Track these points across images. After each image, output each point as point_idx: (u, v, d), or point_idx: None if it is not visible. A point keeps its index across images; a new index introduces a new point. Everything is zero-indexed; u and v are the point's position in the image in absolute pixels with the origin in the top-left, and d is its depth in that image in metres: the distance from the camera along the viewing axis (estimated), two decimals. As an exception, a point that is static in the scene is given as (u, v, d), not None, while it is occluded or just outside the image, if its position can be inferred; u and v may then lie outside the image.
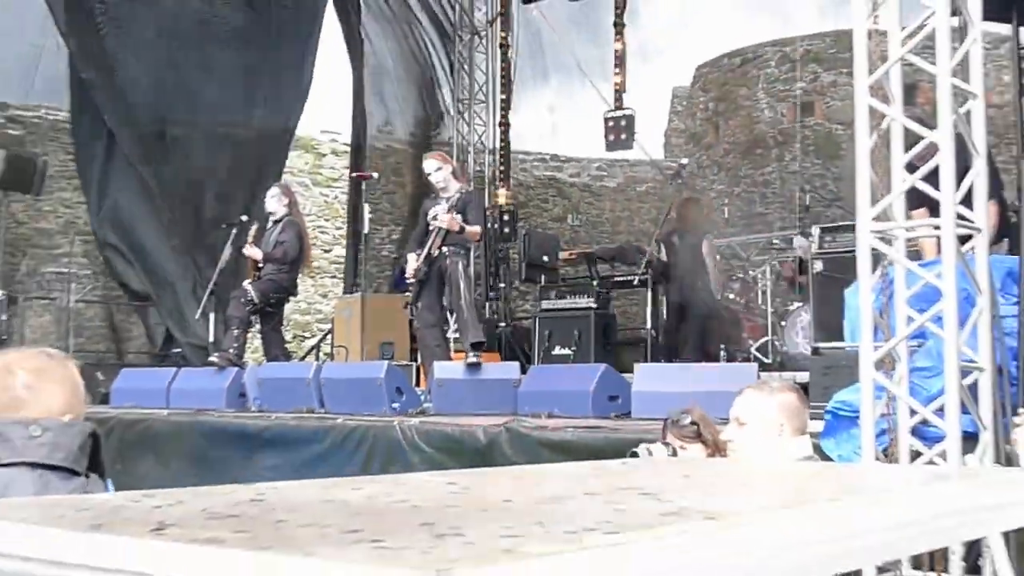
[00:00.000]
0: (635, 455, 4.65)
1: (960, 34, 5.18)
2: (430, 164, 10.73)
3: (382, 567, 1.29)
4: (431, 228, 10.15)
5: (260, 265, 11.35)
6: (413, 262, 10.17)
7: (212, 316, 12.65)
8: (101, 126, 14.27)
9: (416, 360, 11.30)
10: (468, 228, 10.11)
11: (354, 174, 15.32)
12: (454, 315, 10.35)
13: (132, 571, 1.53)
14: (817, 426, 5.56)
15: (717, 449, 4.47)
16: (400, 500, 2.04)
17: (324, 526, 1.69)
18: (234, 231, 12.15)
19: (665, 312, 12.31)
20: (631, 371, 8.29)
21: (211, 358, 11.55)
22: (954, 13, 5.11)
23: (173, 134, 14.96)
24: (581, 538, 1.55)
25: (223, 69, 15.49)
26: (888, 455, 5.08)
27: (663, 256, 12.26)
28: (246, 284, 11.29)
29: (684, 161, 17.16)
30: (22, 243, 14.87)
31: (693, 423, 4.69)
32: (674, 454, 4.75)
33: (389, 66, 17.82)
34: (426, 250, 10.04)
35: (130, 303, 14.79)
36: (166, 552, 1.51)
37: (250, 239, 11.51)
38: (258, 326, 11.77)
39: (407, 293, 10.52)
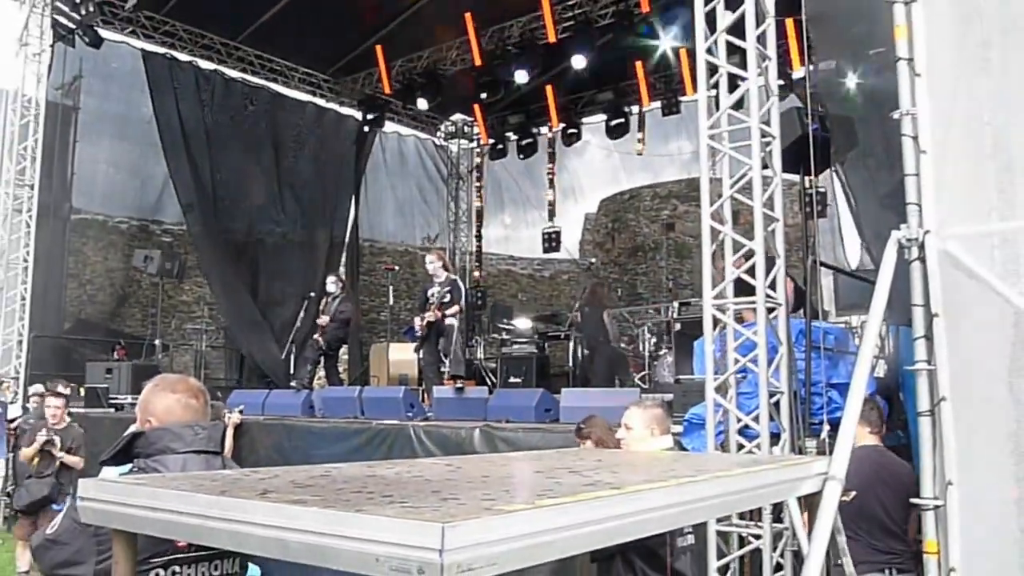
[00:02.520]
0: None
1: (766, 180, 5.26)
2: (429, 259, 10.79)
3: (408, 519, 1.29)
4: (430, 302, 10.16)
5: (324, 326, 11.29)
6: (419, 322, 10.19)
7: (292, 357, 12.56)
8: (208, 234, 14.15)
9: (422, 385, 11.21)
10: (450, 308, 10.16)
11: (385, 267, 15.27)
12: (447, 357, 10.31)
13: (246, 521, 1.53)
14: (678, 428, 5.57)
15: (604, 444, 4.44)
16: (416, 475, 2.03)
17: (369, 492, 1.68)
18: (306, 302, 12.13)
19: (580, 355, 12.29)
20: (559, 393, 8.24)
21: (292, 383, 11.42)
22: (764, 166, 5.19)
23: (260, 239, 14.92)
24: (534, 500, 1.56)
25: (290, 199, 15.47)
26: (723, 447, 5.09)
27: (579, 319, 12.30)
28: (316, 336, 11.25)
29: (592, 260, 17.35)
30: (171, 309, 14.72)
31: (582, 427, 4.66)
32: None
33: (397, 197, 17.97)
34: (427, 317, 10.06)
35: (237, 348, 14.63)
36: (269, 509, 1.50)
37: (321, 308, 11.48)
38: (323, 363, 11.65)
39: (414, 342, 10.48)
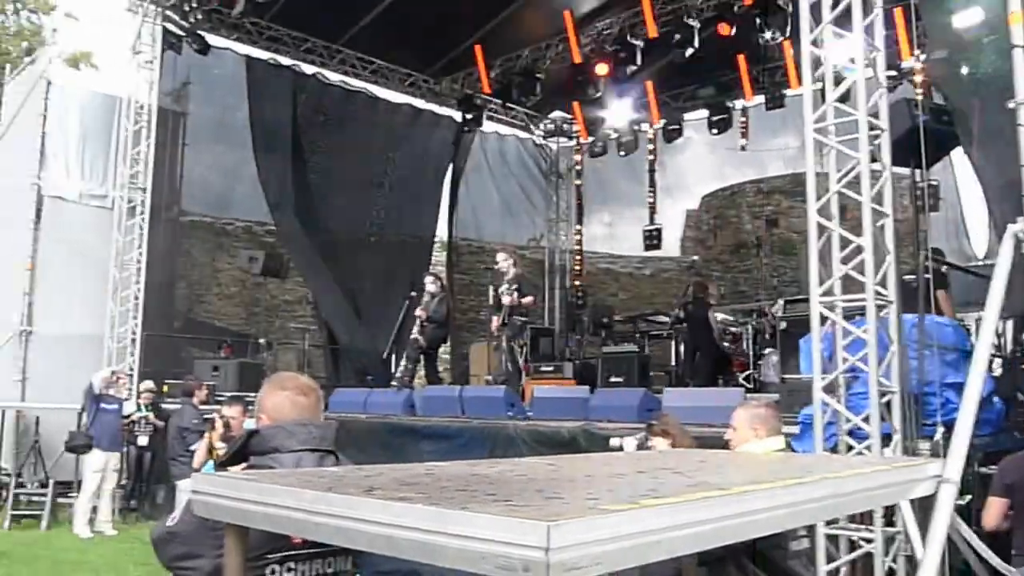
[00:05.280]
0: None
1: (875, 174, 5.11)
2: (500, 256, 10.94)
3: (513, 517, 1.30)
4: (502, 299, 10.43)
5: (424, 325, 11.44)
6: (496, 321, 10.42)
7: (393, 356, 12.79)
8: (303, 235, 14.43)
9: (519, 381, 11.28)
10: (524, 300, 10.31)
11: (485, 267, 15.40)
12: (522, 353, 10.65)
13: (353, 517, 1.56)
14: (792, 430, 5.44)
15: (677, 443, 4.40)
16: (519, 475, 2.04)
17: (472, 490, 1.70)
18: (406, 302, 12.31)
19: (683, 354, 12.15)
20: (661, 393, 8.17)
21: (393, 382, 11.64)
22: (872, 160, 5.05)
23: (359, 240, 15.19)
24: (638, 499, 1.55)
25: (386, 200, 15.74)
26: (834, 449, 4.97)
27: (683, 316, 12.15)
28: (416, 335, 11.40)
29: (695, 258, 17.12)
30: (275, 308, 15.15)
31: (654, 424, 4.65)
32: (642, 446, 4.70)
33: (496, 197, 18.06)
34: (502, 317, 10.26)
35: (338, 347, 14.95)
36: (375, 505, 1.53)
37: (420, 308, 11.64)
38: (423, 362, 11.82)
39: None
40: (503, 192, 18.05)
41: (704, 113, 15.53)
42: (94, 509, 10.56)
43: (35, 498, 11.10)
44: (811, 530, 4.19)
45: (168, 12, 12.93)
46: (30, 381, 12.27)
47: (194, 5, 13.03)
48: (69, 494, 10.92)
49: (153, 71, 12.82)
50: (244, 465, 2.53)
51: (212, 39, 13.54)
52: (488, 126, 17.29)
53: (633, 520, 1.42)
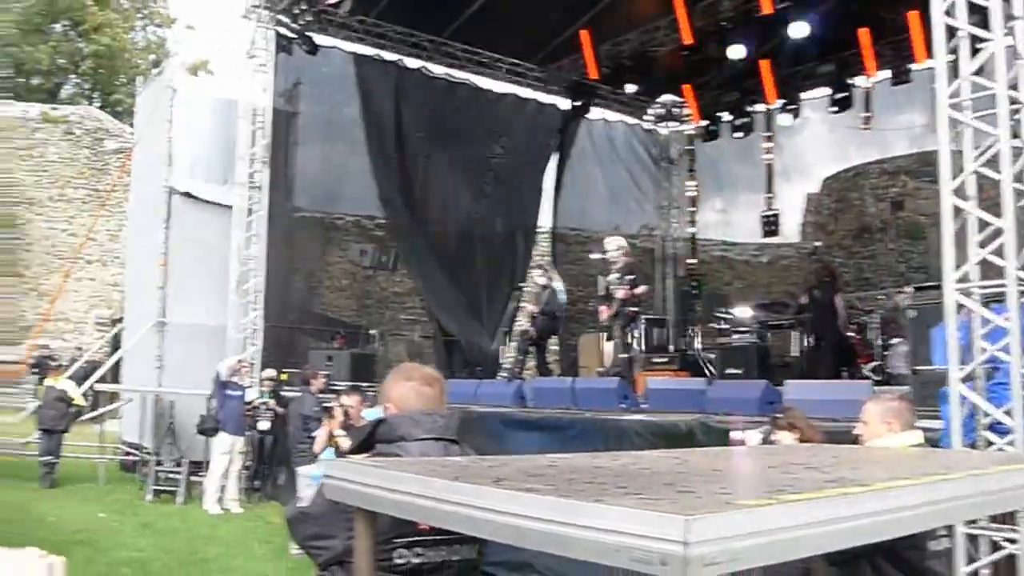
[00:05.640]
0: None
1: (1016, 151, 4.86)
2: (610, 244, 10.80)
3: (650, 510, 1.29)
4: (611, 289, 10.30)
5: (534, 316, 11.50)
6: (605, 311, 10.31)
7: (502, 348, 12.90)
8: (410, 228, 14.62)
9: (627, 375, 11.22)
10: (636, 291, 10.17)
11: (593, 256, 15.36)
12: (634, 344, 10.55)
13: (481, 506, 1.57)
14: (931, 424, 5.21)
15: (804, 437, 4.27)
16: (643, 468, 2.03)
17: (600, 483, 1.70)
18: (515, 293, 12.43)
19: (804, 345, 11.80)
20: (782, 385, 7.98)
21: (501, 373, 11.74)
22: (1014, 136, 4.80)
23: (464, 232, 15.28)
24: (775, 496, 1.51)
25: (491, 191, 15.78)
26: (972, 446, 4.75)
27: (807, 303, 11.75)
28: (527, 327, 11.48)
29: (818, 243, 16.63)
30: (385, 300, 15.52)
31: (779, 418, 4.51)
32: (766, 440, 4.57)
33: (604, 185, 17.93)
34: (614, 308, 10.14)
35: (449, 338, 15.12)
36: (504, 495, 1.54)
37: (531, 299, 11.69)
38: (532, 353, 11.88)
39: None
40: (611, 180, 17.83)
41: (823, 91, 14.99)
42: (222, 488, 11.36)
43: (171, 475, 12.04)
44: (950, 530, 4.01)
45: (280, 16, 13.34)
46: (165, 368, 13.17)
47: (303, 7, 13.39)
48: (200, 473, 11.81)
49: (267, 74, 13.29)
50: (371, 452, 2.60)
51: (320, 39, 13.88)
52: (595, 113, 17.11)
53: (771, 516, 1.39)
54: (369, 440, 2.62)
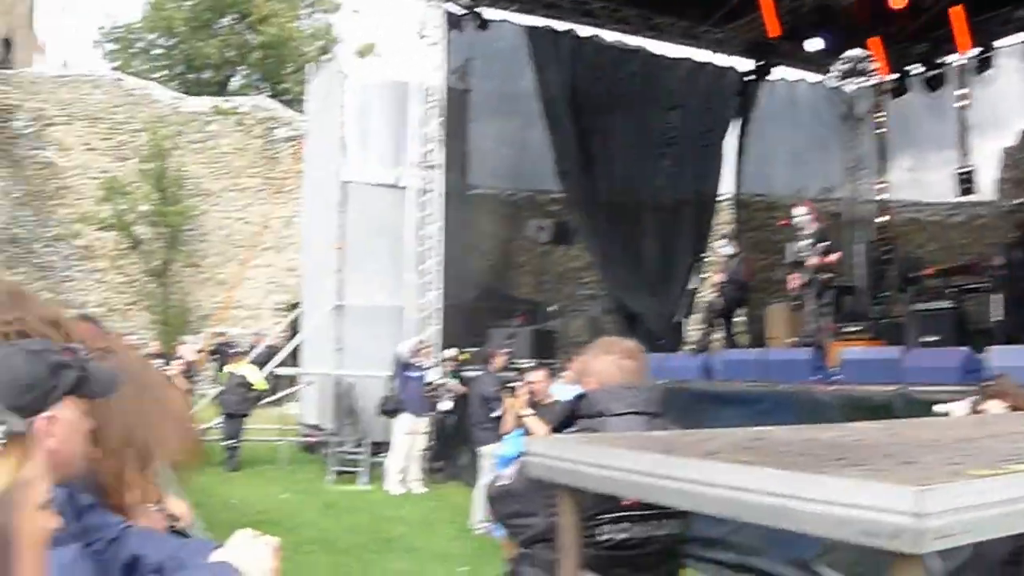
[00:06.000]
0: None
1: None
2: (798, 210, 10.46)
3: (877, 482, 1.30)
4: (801, 256, 10.00)
5: (719, 287, 11.37)
6: (796, 280, 10.04)
7: (684, 320, 12.78)
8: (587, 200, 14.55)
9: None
10: (827, 258, 9.84)
11: (778, 223, 14.96)
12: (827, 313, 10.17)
13: (696, 480, 1.61)
14: None
15: (1017, 406, 4.04)
16: (855, 440, 2.01)
17: (815, 455, 1.70)
18: (697, 264, 12.29)
19: (1007, 308, 11.07)
20: (984, 352, 7.58)
21: (685, 346, 11.63)
22: None
23: (642, 203, 15.14)
24: (1004, 466, 1.48)
25: (668, 159, 15.50)
26: None
27: (1009, 264, 11.06)
28: (714, 298, 11.37)
29: (1015, 201, 15.62)
30: (564, 276, 15.65)
31: (988, 386, 4.28)
32: (975, 410, 4.35)
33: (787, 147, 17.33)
34: (805, 276, 9.89)
35: (630, 312, 15.07)
36: (720, 469, 1.56)
37: (715, 270, 11.55)
38: (719, 325, 11.75)
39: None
40: (793, 142, 17.24)
41: (1020, 37, 14.03)
42: (404, 468, 11.56)
43: (352, 456, 12.38)
44: None
45: (449, -6, 13.56)
46: (344, 351, 13.57)
47: (473, -17, 13.57)
48: (381, 453, 12.03)
49: (438, 53, 13.53)
50: (572, 429, 2.66)
51: (490, 13, 14.02)
52: (775, 73, 16.62)
53: (1003, 486, 1.37)
54: (570, 416, 2.68)
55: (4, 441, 1.26)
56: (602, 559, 2.43)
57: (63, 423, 1.54)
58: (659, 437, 2.16)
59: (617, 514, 2.56)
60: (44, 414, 1.50)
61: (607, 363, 2.81)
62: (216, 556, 1.59)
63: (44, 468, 1.40)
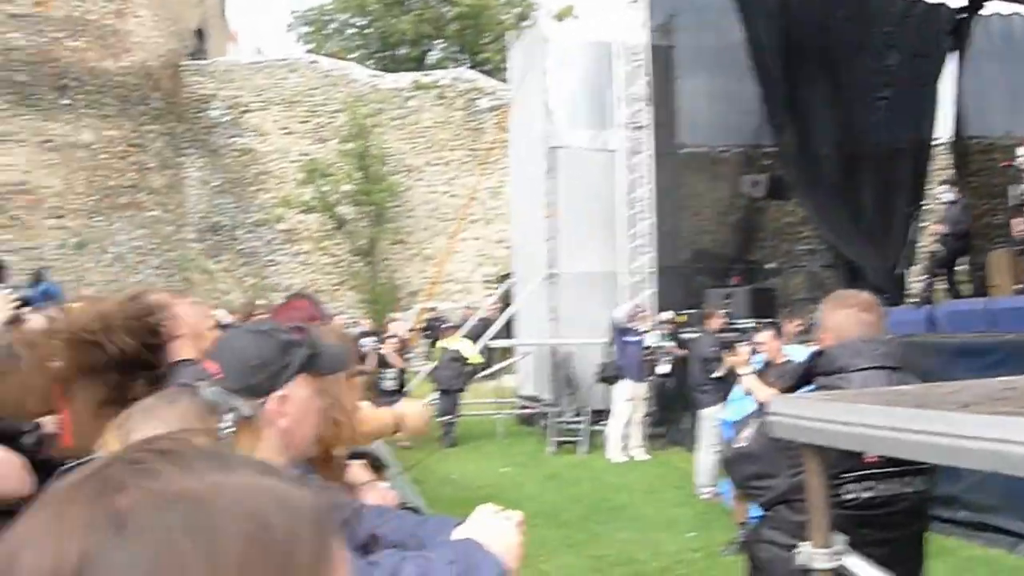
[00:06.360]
0: None
1: None
2: (1022, 150, 9.69)
3: None
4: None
5: (941, 236, 10.77)
6: (1021, 225, 9.36)
7: (905, 272, 12.13)
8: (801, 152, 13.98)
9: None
10: None
11: (1002, 165, 13.91)
12: None
13: (953, 434, 1.57)
14: None
15: None
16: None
17: (1077, 406, 1.64)
18: (916, 213, 11.69)
19: None
20: None
21: (908, 299, 11.12)
22: None
23: (853, 154, 14.39)
24: None
25: (882, 105, 14.78)
26: None
27: None
28: (935, 248, 10.81)
29: None
30: (779, 232, 15.25)
31: None
32: None
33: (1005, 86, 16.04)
34: None
35: (851, 265, 14.48)
36: (980, 421, 1.54)
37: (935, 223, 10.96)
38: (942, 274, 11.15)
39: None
40: (1011, 80, 15.98)
41: None
42: (626, 436, 11.44)
43: (571, 425, 12.35)
44: None
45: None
46: (559, 319, 13.53)
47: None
48: (600, 422, 11.93)
49: (641, 10, 13.34)
50: (809, 388, 2.62)
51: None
52: (988, 7, 15.57)
53: None
54: (807, 374, 2.65)
55: (233, 427, 1.36)
56: (848, 518, 2.35)
57: (296, 401, 1.60)
58: (907, 391, 2.12)
59: (861, 472, 2.50)
60: (277, 393, 1.60)
61: (843, 316, 2.72)
62: (458, 533, 1.55)
63: (277, 449, 1.49)
